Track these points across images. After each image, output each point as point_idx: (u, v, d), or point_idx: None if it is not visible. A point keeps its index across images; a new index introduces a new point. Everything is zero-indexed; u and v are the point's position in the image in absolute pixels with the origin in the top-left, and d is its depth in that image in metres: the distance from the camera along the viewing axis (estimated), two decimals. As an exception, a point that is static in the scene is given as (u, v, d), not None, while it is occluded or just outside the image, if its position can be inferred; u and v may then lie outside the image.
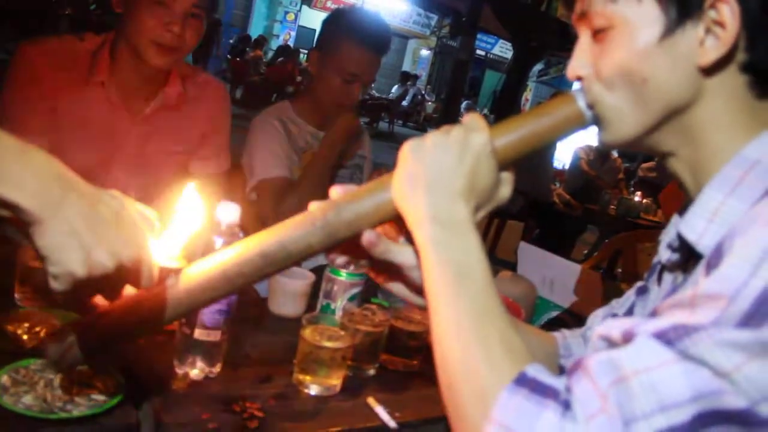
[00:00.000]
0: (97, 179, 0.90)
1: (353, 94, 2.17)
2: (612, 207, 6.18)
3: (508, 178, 0.84)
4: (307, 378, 1.30)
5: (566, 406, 0.65)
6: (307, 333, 1.31)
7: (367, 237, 0.84)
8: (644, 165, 8.42)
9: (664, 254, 0.89)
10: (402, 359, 1.48)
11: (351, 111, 2.19)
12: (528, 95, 20.24)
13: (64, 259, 0.73)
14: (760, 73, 0.78)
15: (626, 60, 0.79)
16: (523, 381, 0.67)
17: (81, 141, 1.82)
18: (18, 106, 1.76)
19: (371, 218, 0.83)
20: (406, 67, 22.78)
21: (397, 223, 0.85)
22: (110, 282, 0.78)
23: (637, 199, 6.42)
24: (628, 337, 0.67)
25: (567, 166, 7.02)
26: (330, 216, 0.82)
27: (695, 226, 0.79)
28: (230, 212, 1.20)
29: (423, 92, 20.09)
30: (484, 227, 6.28)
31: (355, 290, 1.55)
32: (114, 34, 1.81)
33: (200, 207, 0.92)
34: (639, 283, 1.03)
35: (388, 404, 1.29)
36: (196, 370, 1.26)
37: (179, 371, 1.26)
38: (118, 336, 0.84)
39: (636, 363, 0.63)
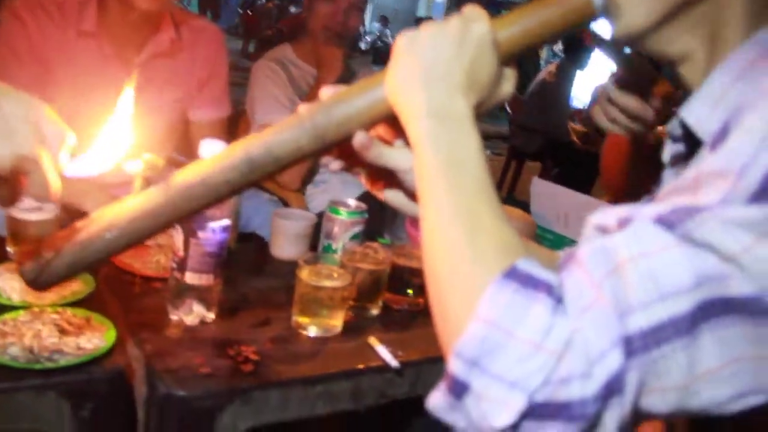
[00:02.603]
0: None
1: (338, 13, 2.12)
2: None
3: (510, 74, 0.77)
4: (306, 320, 1.26)
5: (559, 300, 0.58)
6: (305, 273, 1.26)
7: (359, 139, 0.77)
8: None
9: (666, 150, 0.82)
10: (406, 297, 1.44)
11: (338, 42, 2.12)
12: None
13: None
14: None
15: None
16: (513, 274, 0.60)
17: (74, 93, 1.77)
18: (7, 60, 1.72)
19: (363, 118, 0.77)
20: (421, 12, 22.40)
21: (391, 124, 0.79)
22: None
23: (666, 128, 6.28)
24: (624, 224, 0.61)
25: (586, 105, 6.90)
26: (319, 117, 0.76)
27: (698, 111, 0.73)
28: (215, 149, 1.15)
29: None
30: (501, 168, 6.22)
31: (356, 229, 1.51)
32: None
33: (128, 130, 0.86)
34: (647, 196, 0.96)
35: (390, 344, 1.25)
36: (191, 316, 1.22)
37: (173, 317, 1.22)
38: (97, 250, 0.79)
39: (632, 249, 0.57)
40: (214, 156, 0.78)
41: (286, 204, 2.12)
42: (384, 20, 17.33)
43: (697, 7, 0.74)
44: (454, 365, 0.58)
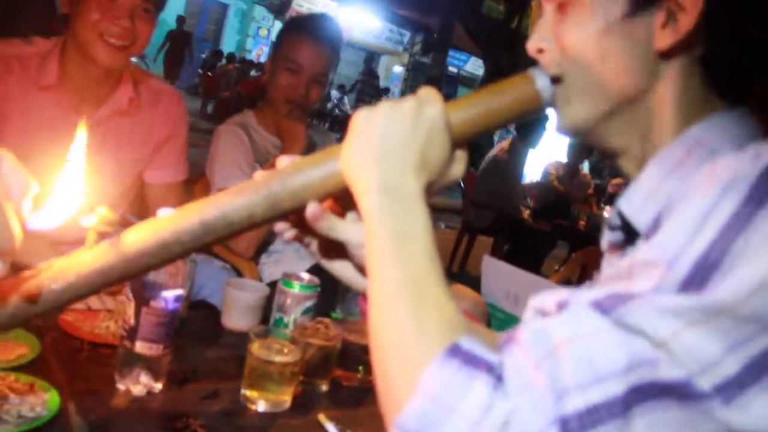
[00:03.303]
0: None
1: (299, 86, 2.15)
2: (582, 222, 6.19)
3: (461, 156, 0.81)
4: (255, 394, 1.25)
5: (499, 379, 0.60)
6: (255, 347, 1.26)
7: (311, 210, 0.79)
8: (614, 181, 8.44)
9: (605, 238, 0.86)
10: (356, 375, 1.44)
11: (300, 116, 2.15)
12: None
13: None
14: (716, 67, 0.77)
15: (586, 36, 0.78)
16: (455, 352, 0.62)
17: (31, 146, 1.76)
18: None
19: (317, 189, 0.79)
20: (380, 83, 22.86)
21: (344, 198, 0.81)
22: None
23: (606, 214, 6.43)
24: (562, 308, 0.63)
25: (537, 182, 7.04)
26: (274, 185, 0.78)
27: (634, 201, 0.77)
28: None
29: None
30: (454, 242, 6.28)
31: (309, 303, 1.51)
32: (64, 37, 1.76)
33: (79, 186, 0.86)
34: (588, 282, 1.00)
35: (340, 421, 1.25)
36: (139, 386, 1.20)
37: (120, 386, 1.20)
38: (43, 302, 0.78)
39: (569, 331, 0.60)
40: (169, 216, 0.79)
41: (239, 272, 2.12)
42: (342, 88, 17.61)
43: (633, 108, 0.79)
44: None
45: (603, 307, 0.60)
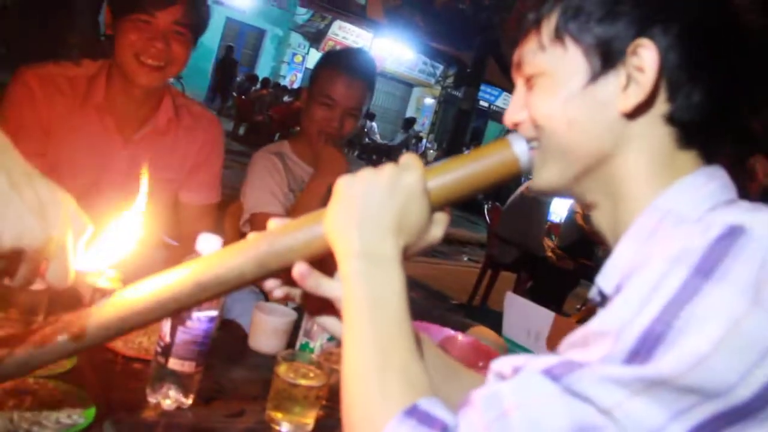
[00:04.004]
0: (88, 202, 0.92)
1: (334, 120, 2.19)
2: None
3: (441, 219, 0.85)
4: (279, 415, 1.29)
5: None
6: (282, 370, 1.31)
7: (298, 270, 0.84)
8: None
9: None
10: (377, 402, 1.47)
11: (336, 144, 2.21)
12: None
13: None
14: (681, 125, 0.80)
15: (552, 106, 0.82)
16: (412, 412, 0.67)
17: (73, 164, 1.85)
18: (12, 128, 1.78)
19: (303, 251, 0.84)
20: (410, 113, 23.00)
21: (329, 257, 0.85)
22: (12, 263, 0.79)
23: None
24: (517, 372, 0.67)
25: (562, 220, 7.04)
26: (262, 247, 0.84)
27: (611, 276, 0.80)
28: (211, 244, 1.21)
29: (419, 134, 20.24)
30: (476, 277, 6.29)
31: (335, 330, 1.55)
32: (111, 59, 1.86)
33: (138, 227, 0.93)
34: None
35: (359, 446, 1.28)
36: (169, 401, 1.25)
37: (151, 400, 1.25)
38: (48, 354, 0.85)
39: (518, 396, 0.64)
40: (166, 276, 0.85)
41: (266, 296, 2.16)
42: (371, 116, 17.74)
43: (602, 170, 0.82)
44: None
45: (553, 374, 0.64)
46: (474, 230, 9.87)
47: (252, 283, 0.87)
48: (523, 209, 5.92)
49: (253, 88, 15.97)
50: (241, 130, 14.52)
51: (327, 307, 0.91)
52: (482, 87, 16.29)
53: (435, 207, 0.83)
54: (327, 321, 0.95)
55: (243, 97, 15.46)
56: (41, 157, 1.79)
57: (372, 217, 0.80)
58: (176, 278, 0.84)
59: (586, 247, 6.34)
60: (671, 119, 0.79)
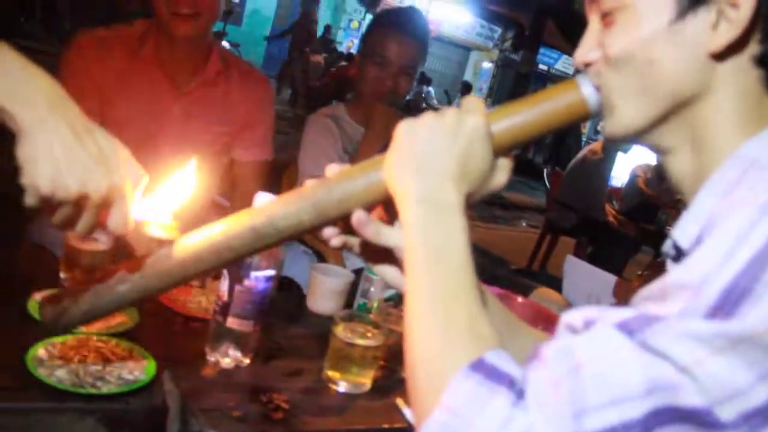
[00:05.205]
0: (144, 156, 0.93)
1: (387, 78, 2.16)
2: (668, 228, 6.03)
3: (505, 165, 0.81)
4: (337, 375, 1.29)
5: (520, 395, 0.61)
6: (339, 330, 1.30)
7: (357, 217, 0.81)
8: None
9: (668, 268, 0.82)
10: (435, 363, 1.46)
11: (390, 105, 2.18)
12: (589, 112, 19.95)
13: (33, 172, 0.79)
14: None
15: (633, 43, 0.75)
16: (479, 366, 0.64)
17: (129, 119, 1.90)
18: (69, 92, 1.82)
19: (362, 198, 0.81)
20: (467, 77, 22.73)
21: (391, 205, 0.82)
22: (76, 210, 0.83)
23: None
24: (589, 326, 0.64)
25: (624, 184, 6.89)
26: (320, 194, 0.81)
27: (689, 231, 0.72)
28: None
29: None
30: (535, 242, 6.22)
31: (393, 291, 1.55)
32: None
33: (194, 180, 0.92)
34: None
35: (416, 406, 1.28)
36: (228, 359, 1.27)
37: (210, 358, 1.27)
38: (111, 301, 0.85)
39: (591, 351, 0.60)
40: (223, 223, 0.84)
41: (320, 257, 2.17)
42: (428, 81, 17.54)
43: (684, 114, 0.76)
44: None
45: (628, 329, 0.60)
46: (533, 195, 9.76)
47: (310, 232, 0.84)
48: (584, 174, 5.81)
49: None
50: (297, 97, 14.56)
51: (387, 256, 0.87)
52: (541, 50, 15.94)
53: (498, 152, 0.79)
54: (387, 271, 0.91)
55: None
56: (98, 116, 1.82)
57: (433, 163, 0.76)
58: (232, 225, 0.83)
59: (649, 212, 6.22)
60: (763, 61, 0.73)
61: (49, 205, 0.82)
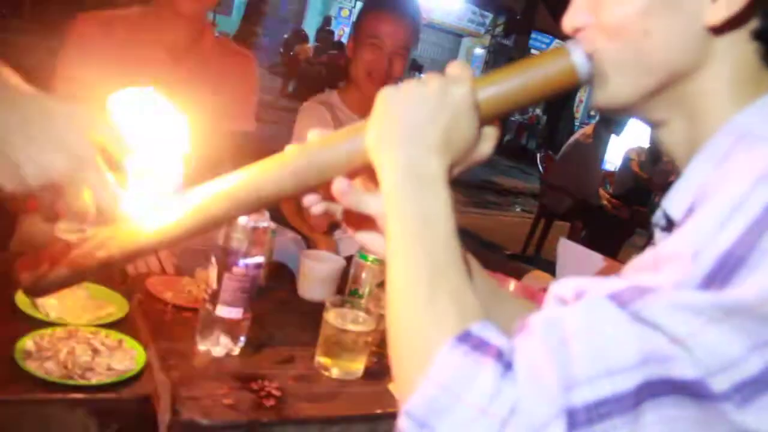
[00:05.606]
0: None
1: (382, 59, 2.16)
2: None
3: (491, 134, 0.78)
4: (329, 361, 1.29)
5: (508, 366, 0.59)
6: (331, 316, 1.30)
7: (338, 185, 0.79)
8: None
9: (657, 240, 0.81)
10: (427, 347, 1.46)
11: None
12: (582, 95, 19.96)
13: None
14: None
15: (629, 10, 0.73)
16: (465, 338, 0.61)
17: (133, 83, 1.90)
18: (73, 76, 1.85)
19: (343, 166, 0.79)
20: (459, 64, 22.61)
21: (372, 172, 0.79)
22: (55, 204, 0.80)
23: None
24: (580, 297, 0.62)
25: (617, 168, 6.89)
26: (301, 162, 0.80)
27: (680, 201, 0.71)
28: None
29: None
30: (529, 227, 6.23)
31: (384, 276, 1.54)
32: None
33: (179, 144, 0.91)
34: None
35: (409, 391, 1.27)
36: (218, 348, 1.26)
37: (201, 347, 1.26)
38: (89, 267, 0.84)
39: (582, 322, 0.58)
40: (200, 192, 0.82)
41: (308, 244, 2.17)
42: (419, 68, 17.51)
43: (679, 87, 0.75)
44: (404, 424, 0.60)
45: (621, 300, 0.58)
46: (526, 180, 9.75)
47: (291, 198, 0.83)
48: (578, 157, 5.81)
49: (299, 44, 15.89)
50: (290, 87, 14.52)
51: (368, 223, 0.85)
52: (533, 35, 15.88)
53: (484, 120, 0.77)
54: (368, 237, 0.88)
55: (291, 53, 15.41)
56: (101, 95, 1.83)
57: (417, 133, 0.74)
58: (211, 192, 0.81)
59: (642, 195, 6.22)
60: (761, 35, 0.71)
61: (33, 201, 0.80)
